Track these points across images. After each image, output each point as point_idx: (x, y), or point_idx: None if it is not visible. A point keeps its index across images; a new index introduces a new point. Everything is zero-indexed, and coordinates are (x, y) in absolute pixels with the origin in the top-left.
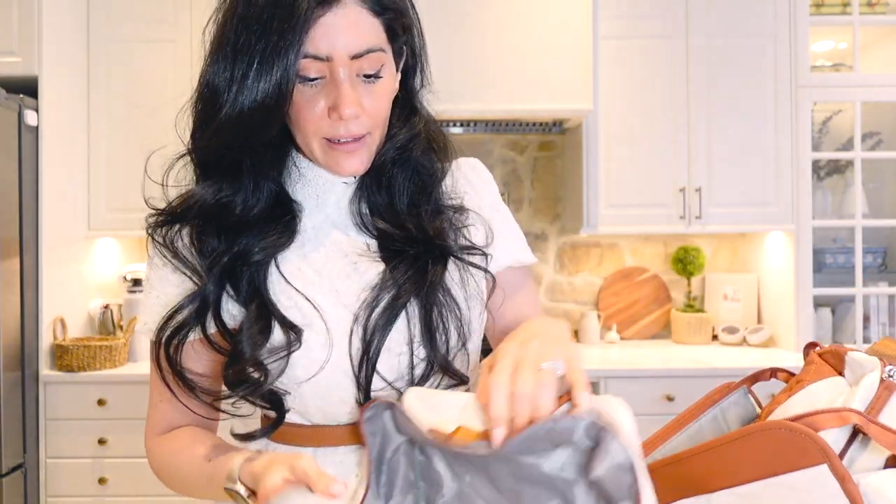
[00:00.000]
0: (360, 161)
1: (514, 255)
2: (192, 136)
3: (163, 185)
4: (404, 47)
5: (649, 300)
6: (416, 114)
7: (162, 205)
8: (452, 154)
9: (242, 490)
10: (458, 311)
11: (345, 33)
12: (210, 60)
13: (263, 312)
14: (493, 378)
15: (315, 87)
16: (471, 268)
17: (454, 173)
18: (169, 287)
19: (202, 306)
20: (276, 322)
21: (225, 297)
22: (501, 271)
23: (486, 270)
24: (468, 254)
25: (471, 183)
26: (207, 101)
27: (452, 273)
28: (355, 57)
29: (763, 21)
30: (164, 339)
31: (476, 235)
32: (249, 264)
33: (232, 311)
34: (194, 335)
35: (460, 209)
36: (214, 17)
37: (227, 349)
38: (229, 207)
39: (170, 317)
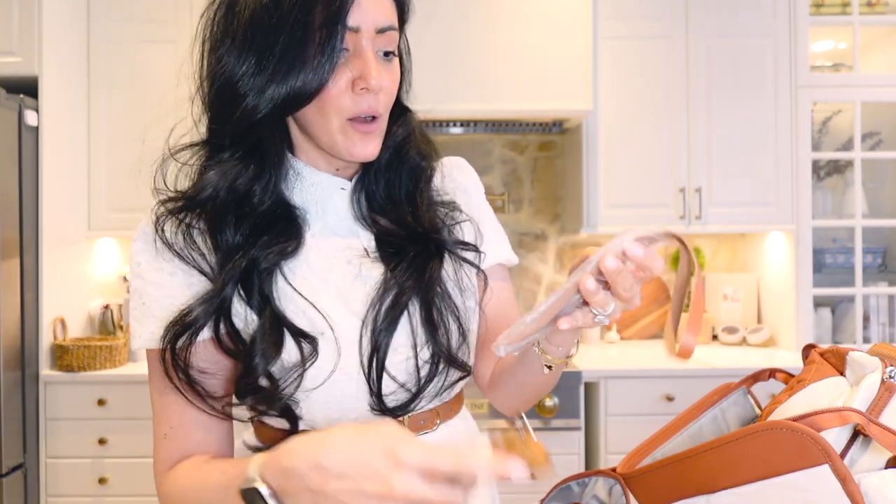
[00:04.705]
0: (374, 146)
1: (504, 255)
2: (215, 119)
3: (171, 170)
4: (401, 40)
5: (649, 300)
6: (408, 112)
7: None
8: (438, 155)
9: (264, 489)
10: (455, 306)
11: (372, 6)
12: (237, 38)
13: (276, 325)
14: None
15: (340, 59)
16: (464, 263)
17: (441, 171)
18: (175, 288)
19: (217, 304)
20: (288, 334)
21: (236, 299)
22: (489, 269)
23: (478, 268)
24: (462, 250)
25: (457, 182)
26: (236, 78)
27: (447, 268)
28: (380, 31)
29: (763, 21)
30: (171, 338)
31: (467, 234)
32: (260, 271)
33: (240, 312)
34: (203, 335)
35: (451, 205)
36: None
37: (234, 350)
38: (248, 195)
39: (180, 318)
